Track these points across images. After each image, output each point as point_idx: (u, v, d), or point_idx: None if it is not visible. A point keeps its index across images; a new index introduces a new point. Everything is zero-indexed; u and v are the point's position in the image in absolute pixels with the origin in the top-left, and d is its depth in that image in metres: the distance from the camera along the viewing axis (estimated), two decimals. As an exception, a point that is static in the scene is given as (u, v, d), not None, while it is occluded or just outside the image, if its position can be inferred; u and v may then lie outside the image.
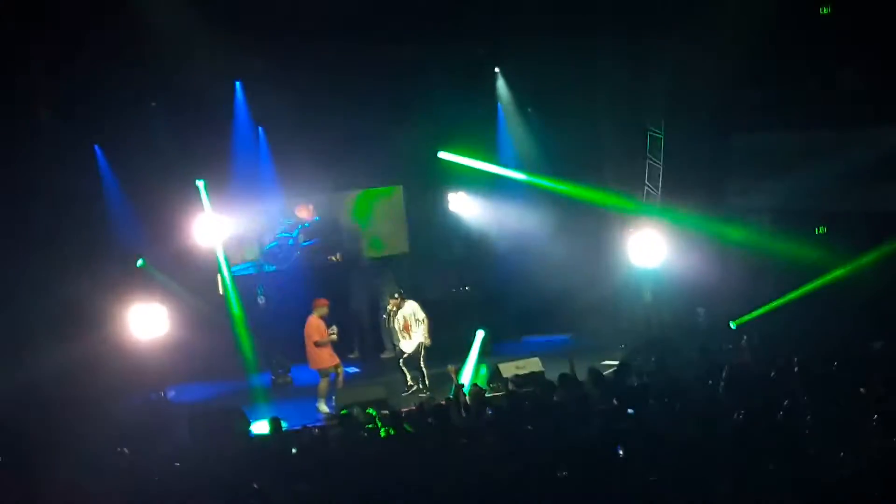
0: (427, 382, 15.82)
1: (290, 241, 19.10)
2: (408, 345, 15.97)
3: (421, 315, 15.96)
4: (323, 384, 15.38)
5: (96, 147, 16.89)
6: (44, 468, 10.82)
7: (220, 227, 17.35)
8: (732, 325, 15.69)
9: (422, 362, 15.87)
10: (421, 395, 15.43)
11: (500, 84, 19.01)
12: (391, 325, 16.20)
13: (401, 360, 16.01)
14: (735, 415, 9.88)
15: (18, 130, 14.93)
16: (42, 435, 12.19)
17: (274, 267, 19.10)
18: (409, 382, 15.88)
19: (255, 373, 17.61)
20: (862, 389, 10.01)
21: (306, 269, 18.94)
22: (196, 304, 17.43)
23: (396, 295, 16.21)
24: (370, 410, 12.54)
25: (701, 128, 16.68)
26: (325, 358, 15.44)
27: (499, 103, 19.20)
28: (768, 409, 10.02)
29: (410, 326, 15.93)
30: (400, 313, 16.01)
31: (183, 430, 13.42)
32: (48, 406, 13.73)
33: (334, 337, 15.54)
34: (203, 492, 9.55)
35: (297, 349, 16.18)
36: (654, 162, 17.38)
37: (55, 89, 15.65)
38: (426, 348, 15.89)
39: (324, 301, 15.73)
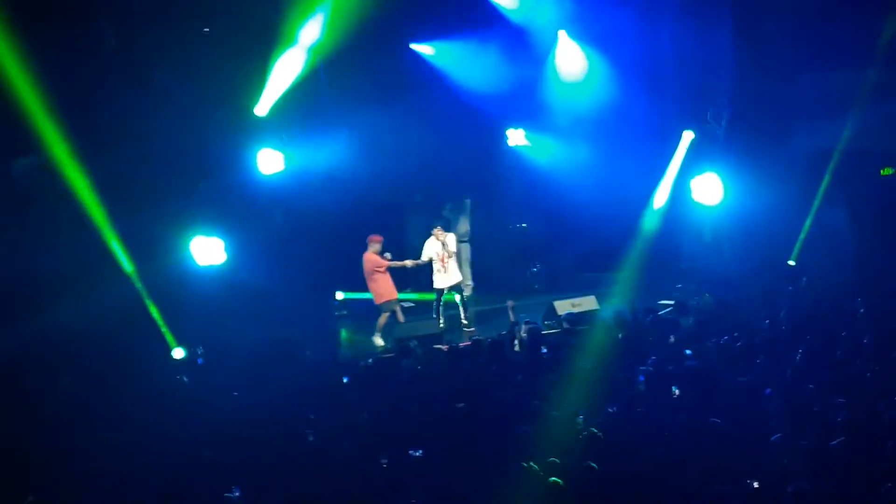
0: (467, 318, 15.54)
1: None
2: (441, 279, 15.50)
3: (454, 249, 15.50)
4: (382, 318, 15.48)
5: (158, 76, 16.86)
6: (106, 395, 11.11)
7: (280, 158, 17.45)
8: (791, 262, 15.53)
9: (461, 297, 15.59)
10: (467, 330, 15.22)
11: None
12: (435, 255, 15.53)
13: (440, 297, 15.54)
14: (795, 355, 9.82)
15: (84, 62, 14.93)
16: (105, 364, 12.49)
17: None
18: (441, 325, 15.34)
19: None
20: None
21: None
22: (255, 236, 17.51)
23: (440, 226, 15.66)
24: None
25: (769, 67, 16.33)
26: (387, 292, 15.47)
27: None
28: (828, 349, 9.95)
29: (445, 260, 15.46)
30: (439, 245, 15.46)
31: (240, 360, 13.58)
32: (112, 336, 13.98)
33: (395, 263, 15.44)
34: (259, 421, 9.69)
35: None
36: (720, 102, 17.08)
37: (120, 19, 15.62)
38: (463, 285, 15.62)
39: (378, 237, 15.67)
